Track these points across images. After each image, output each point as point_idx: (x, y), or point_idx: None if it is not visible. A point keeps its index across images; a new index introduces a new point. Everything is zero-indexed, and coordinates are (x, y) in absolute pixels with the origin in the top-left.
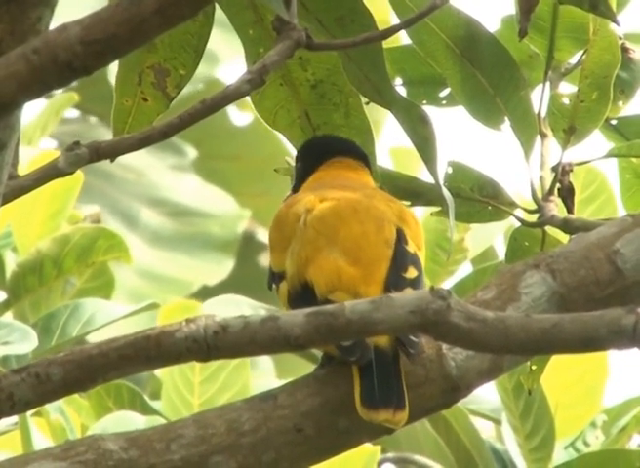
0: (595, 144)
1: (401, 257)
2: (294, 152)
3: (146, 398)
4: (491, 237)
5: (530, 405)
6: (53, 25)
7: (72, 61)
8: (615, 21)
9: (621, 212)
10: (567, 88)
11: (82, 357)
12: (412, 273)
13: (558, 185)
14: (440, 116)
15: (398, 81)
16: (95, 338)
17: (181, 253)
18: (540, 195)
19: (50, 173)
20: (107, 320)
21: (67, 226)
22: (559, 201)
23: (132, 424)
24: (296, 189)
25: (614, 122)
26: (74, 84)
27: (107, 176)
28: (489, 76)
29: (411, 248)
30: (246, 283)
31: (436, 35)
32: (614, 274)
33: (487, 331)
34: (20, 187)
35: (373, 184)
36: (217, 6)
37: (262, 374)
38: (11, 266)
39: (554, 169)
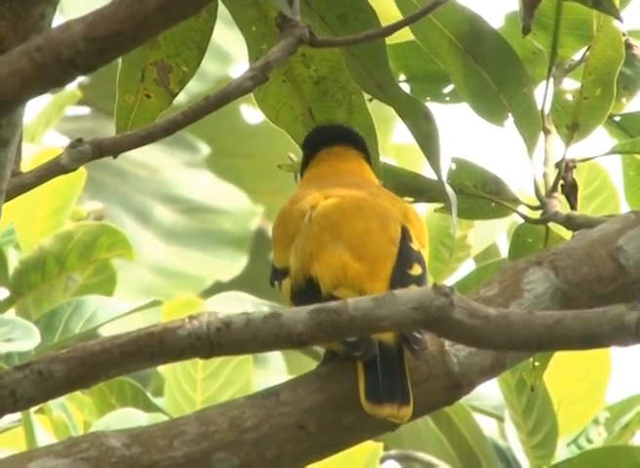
0: (599, 141)
1: (406, 255)
2: None
3: (149, 395)
4: (494, 234)
5: (532, 401)
6: (57, 23)
7: (75, 59)
8: (618, 18)
9: (624, 208)
10: (570, 84)
11: (85, 354)
12: (417, 270)
13: (561, 182)
14: (443, 112)
15: (401, 77)
16: (106, 333)
17: (195, 250)
18: (543, 192)
19: (53, 169)
20: (110, 317)
21: (70, 223)
22: (562, 197)
23: (134, 421)
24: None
25: (617, 118)
26: (86, 82)
27: (121, 174)
28: (492, 72)
29: (415, 246)
30: (258, 279)
31: (440, 31)
32: (616, 271)
33: (490, 327)
34: (23, 184)
35: (375, 179)
36: (220, 3)
37: (274, 372)
38: (13, 263)
39: (557, 165)
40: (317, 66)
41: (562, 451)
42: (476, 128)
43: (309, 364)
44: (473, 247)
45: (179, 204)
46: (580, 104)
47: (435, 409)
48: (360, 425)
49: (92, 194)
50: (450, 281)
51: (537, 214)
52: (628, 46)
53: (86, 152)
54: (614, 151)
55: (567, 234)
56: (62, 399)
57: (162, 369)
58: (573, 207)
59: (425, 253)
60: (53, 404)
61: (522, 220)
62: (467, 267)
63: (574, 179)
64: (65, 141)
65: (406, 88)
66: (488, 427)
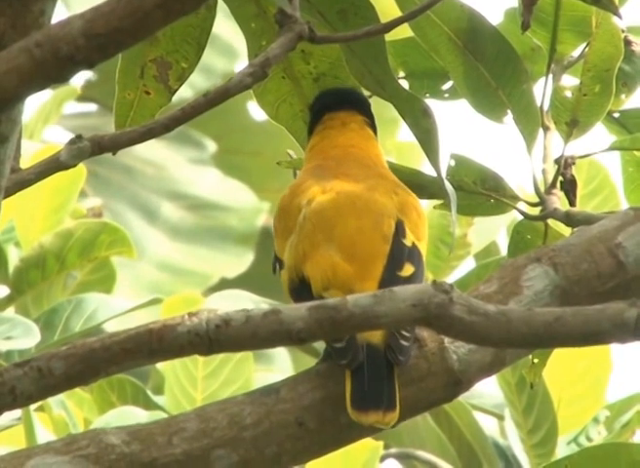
0: (598, 137)
1: (398, 254)
2: None
3: (149, 393)
4: (494, 232)
5: (533, 400)
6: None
7: (75, 55)
8: (617, 14)
9: (624, 206)
10: (569, 81)
11: (84, 351)
12: (408, 271)
13: (560, 178)
14: (443, 109)
15: (400, 74)
16: (109, 330)
17: (201, 247)
18: (542, 188)
19: (52, 166)
20: (110, 315)
21: (70, 221)
22: (561, 194)
23: (134, 419)
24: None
25: (616, 115)
26: (92, 79)
27: (127, 170)
28: (491, 69)
29: (408, 241)
30: (264, 276)
31: (439, 28)
32: (616, 267)
33: (489, 324)
34: (23, 181)
35: (378, 153)
36: None
37: (280, 370)
38: (14, 261)
39: (557, 162)
40: (317, 63)
41: (562, 450)
42: (475, 124)
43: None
44: (473, 245)
45: (185, 201)
46: (580, 101)
47: (435, 406)
48: (359, 423)
49: (98, 191)
50: (450, 279)
51: (536, 211)
52: (627, 42)
53: (85, 149)
54: (613, 148)
55: (566, 231)
56: (63, 396)
57: (162, 366)
58: (572, 203)
59: (423, 245)
60: (53, 401)
61: (521, 217)
62: (467, 265)
63: (573, 176)
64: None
65: (405, 84)
66: (488, 426)
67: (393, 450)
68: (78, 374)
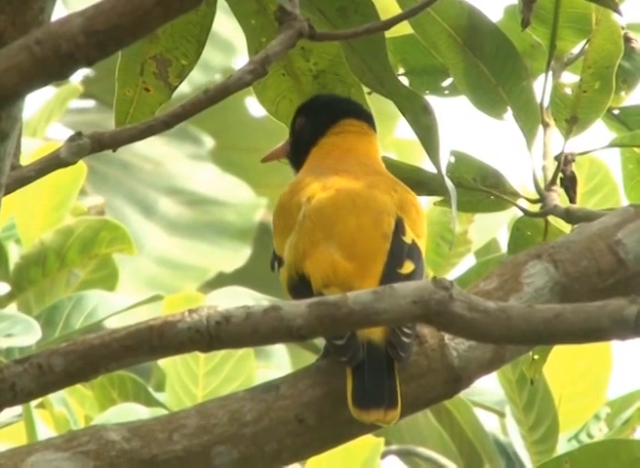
0: (598, 134)
1: (398, 251)
2: None
3: (150, 390)
4: (494, 229)
5: (533, 397)
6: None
7: (75, 52)
8: (617, 11)
9: (625, 203)
10: (569, 78)
11: (84, 347)
12: (408, 268)
13: (560, 175)
14: (442, 106)
15: (400, 71)
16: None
17: (199, 241)
18: (542, 185)
19: (52, 163)
20: (111, 312)
21: (71, 218)
22: (561, 191)
23: (135, 416)
24: (301, 148)
25: (616, 112)
26: (91, 75)
27: (125, 166)
28: (491, 66)
29: (408, 238)
30: (262, 271)
31: (438, 25)
32: (616, 264)
33: (489, 321)
34: (23, 178)
35: (379, 160)
36: None
37: (278, 366)
38: (14, 258)
39: (557, 158)
40: (316, 60)
41: (563, 447)
42: (475, 121)
43: (314, 357)
44: (474, 242)
45: (183, 196)
46: (579, 98)
47: (434, 403)
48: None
49: (96, 187)
50: (450, 276)
51: (536, 208)
52: (627, 39)
53: (85, 146)
54: (613, 144)
55: (566, 227)
56: (63, 393)
57: (163, 363)
58: (572, 200)
59: (422, 243)
60: (54, 398)
61: (522, 214)
62: (468, 262)
63: (573, 173)
64: (70, 134)
65: (405, 81)
66: (489, 422)
67: (394, 447)
68: (78, 371)
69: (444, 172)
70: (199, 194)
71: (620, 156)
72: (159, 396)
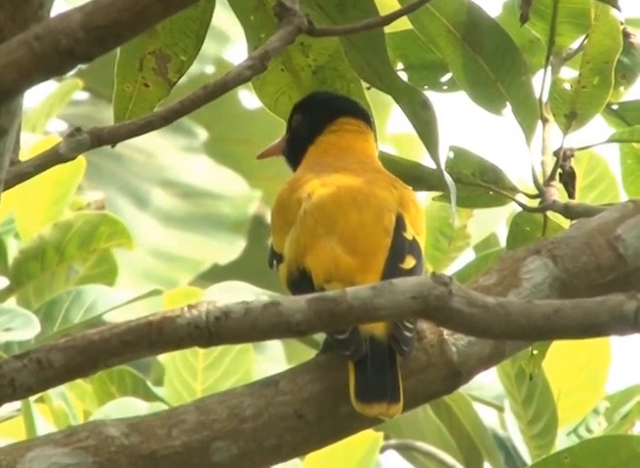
0: (597, 130)
1: (399, 247)
2: None
3: (149, 384)
4: (493, 224)
5: (532, 391)
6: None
7: (74, 48)
8: (616, 7)
9: (624, 197)
10: (568, 73)
11: (83, 343)
12: (409, 263)
13: (559, 170)
14: (442, 101)
15: (399, 66)
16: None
17: (193, 234)
18: (541, 180)
19: (51, 159)
20: (110, 306)
21: (70, 213)
22: (560, 186)
23: (134, 410)
24: (297, 146)
25: (615, 107)
26: (84, 68)
27: (118, 158)
28: (490, 61)
29: (409, 234)
30: (256, 263)
31: (438, 20)
32: (615, 260)
33: (488, 316)
34: (22, 173)
35: (376, 158)
36: None
37: (272, 359)
38: (13, 252)
39: (556, 154)
40: (316, 55)
41: (562, 441)
42: (474, 116)
43: (308, 350)
44: (473, 236)
45: (176, 188)
46: (578, 93)
47: (434, 399)
48: (359, 414)
49: (89, 179)
50: (449, 270)
51: (535, 203)
52: (626, 34)
53: (84, 141)
54: (612, 140)
55: (565, 223)
56: (63, 388)
57: (162, 358)
58: (571, 195)
59: (422, 240)
60: (53, 393)
61: (520, 209)
62: (467, 257)
63: (572, 168)
64: (64, 126)
65: (404, 76)
66: (488, 417)
67: (393, 442)
68: (77, 366)
69: (443, 167)
70: (193, 186)
71: (619, 151)
72: (158, 390)
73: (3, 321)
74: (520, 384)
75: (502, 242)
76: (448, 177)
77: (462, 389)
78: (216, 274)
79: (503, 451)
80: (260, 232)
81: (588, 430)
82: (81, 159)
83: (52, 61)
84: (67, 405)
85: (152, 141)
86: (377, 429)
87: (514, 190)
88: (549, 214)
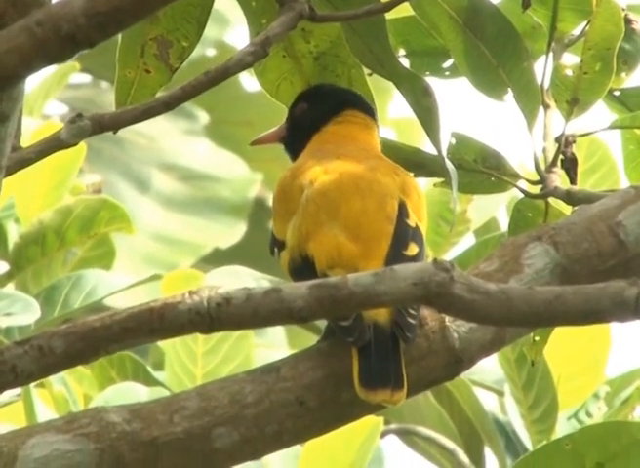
0: (598, 116)
1: (402, 234)
2: None
3: (149, 369)
4: (493, 208)
5: (533, 376)
6: None
7: (76, 34)
8: None
9: (624, 182)
10: (570, 59)
11: (85, 329)
12: (412, 250)
13: (561, 157)
14: (443, 87)
15: (401, 52)
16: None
17: (194, 217)
18: (542, 166)
19: (53, 145)
20: (110, 291)
21: (70, 197)
22: (562, 172)
23: (135, 395)
24: (300, 134)
25: (617, 93)
26: (86, 51)
27: (119, 142)
28: (492, 47)
29: (412, 221)
30: (257, 247)
31: (439, 6)
32: (616, 246)
33: (490, 303)
34: (23, 159)
35: (379, 149)
36: None
37: (272, 343)
38: (13, 237)
39: (557, 140)
40: (317, 41)
41: (562, 426)
42: (476, 102)
43: (310, 334)
44: (473, 221)
45: (177, 172)
46: (580, 79)
47: (435, 385)
48: (360, 401)
49: (90, 163)
50: (450, 255)
51: (536, 189)
52: (628, 21)
53: (85, 127)
54: (613, 126)
55: (567, 209)
56: (62, 373)
57: (162, 342)
58: (572, 182)
59: (423, 227)
60: (52, 378)
61: (522, 195)
62: (467, 241)
63: (573, 154)
64: (65, 109)
65: (406, 63)
66: (488, 402)
67: (394, 426)
68: (79, 353)
69: (444, 153)
70: (194, 169)
71: (621, 137)
72: (158, 375)
73: (3, 306)
74: (520, 369)
75: (503, 226)
76: (449, 164)
77: (463, 374)
78: (217, 257)
79: (504, 436)
80: (262, 215)
81: (589, 415)
82: (81, 144)
83: (53, 47)
84: (67, 389)
85: (153, 125)
86: (377, 414)
87: (516, 176)
88: (551, 200)
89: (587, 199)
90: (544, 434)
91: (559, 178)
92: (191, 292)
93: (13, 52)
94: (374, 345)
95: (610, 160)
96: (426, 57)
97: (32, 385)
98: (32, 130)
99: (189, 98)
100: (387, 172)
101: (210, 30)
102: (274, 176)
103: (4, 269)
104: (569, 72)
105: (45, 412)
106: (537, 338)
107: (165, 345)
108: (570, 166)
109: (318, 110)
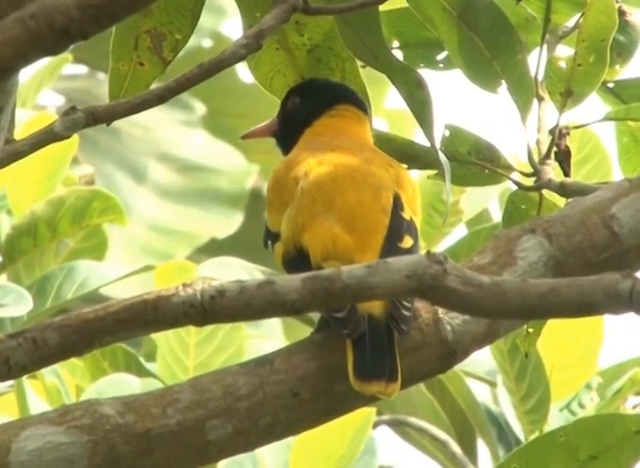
0: (592, 108)
1: (397, 226)
2: None
3: (142, 360)
4: (485, 199)
5: (525, 367)
6: None
7: (69, 26)
8: None
9: (616, 173)
10: (564, 51)
11: (78, 322)
12: (407, 243)
13: (555, 149)
14: (437, 79)
15: (395, 44)
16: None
17: (190, 208)
18: (536, 158)
19: (46, 137)
20: (102, 282)
21: (62, 189)
22: (556, 164)
23: (127, 386)
24: (292, 128)
25: (611, 85)
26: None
27: (115, 133)
28: (486, 39)
29: (407, 214)
30: (254, 238)
31: None
32: (610, 239)
33: (483, 295)
34: (16, 152)
35: (372, 142)
36: None
37: (267, 335)
38: (5, 229)
39: (551, 132)
40: (310, 34)
41: (555, 417)
42: (470, 94)
43: (305, 326)
44: (465, 212)
45: (174, 163)
46: (574, 71)
47: (429, 377)
48: (353, 393)
49: (86, 153)
50: (442, 246)
51: (530, 181)
52: (622, 13)
53: (79, 120)
54: (607, 118)
55: (560, 201)
56: (55, 364)
57: (155, 334)
58: (566, 174)
59: (418, 220)
60: (45, 369)
61: (515, 187)
62: (459, 232)
63: (567, 146)
64: (62, 101)
65: (399, 55)
66: (480, 392)
67: (386, 417)
68: (72, 345)
69: (438, 146)
70: (190, 160)
71: (615, 129)
72: (150, 366)
73: None
74: (513, 360)
75: (495, 217)
76: (442, 156)
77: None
78: (213, 248)
79: (496, 427)
80: (258, 206)
81: (581, 405)
82: (74, 136)
83: (47, 40)
84: (60, 381)
85: (149, 116)
86: (369, 405)
87: (510, 168)
88: (545, 192)
89: (581, 191)
90: (537, 425)
91: (553, 171)
92: (185, 285)
93: (6, 44)
94: (368, 337)
95: (602, 151)
96: (420, 49)
97: (25, 376)
98: (25, 121)
99: (183, 91)
100: (382, 164)
101: (205, 21)
102: (270, 168)
103: None
104: (563, 64)
105: (37, 404)
106: (530, 330)
107: (157, 336)
108: (563, 158)
109: (311, 104)
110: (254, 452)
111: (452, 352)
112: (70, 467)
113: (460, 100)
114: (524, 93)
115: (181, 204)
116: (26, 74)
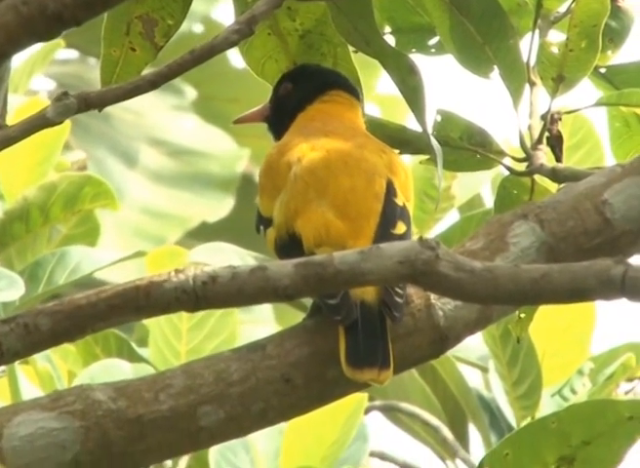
0: (584, 93)
1: (390, 212)
2: None
3: (134, 345)
4: (478, 185)
5: (517, 352)
6: None
7: (62, 13)
8: None
9: (609, 158)
10: (556, 36)
11: (71, 307)
12: (400, 229)
13: (547, 134)
14: (429, 64)
15: (387, 29)
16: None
17: (182, 192)
18: (528, 144)
19: (38, 123)
20: (94, 267)
21: (54, 174)
22: (548, 150)
23: (119, 371)
24: (284, 113)
25: (603, 70)
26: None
27: (106, 117)
28: (478, 24)
29: (400, 200)
30: (245, 222)
31: None
32: (602, 224)
33: (475, 281)
34: (8, 138)
35: (364, 128)
36: None
37: (259, 320)
38: None
39: (543, 117)
40: (302, 20)
41: (546, 402)
42: (462, 80)
43: (297, 312)
44: (457, 197)
45: (165, 147)
46: (566, 56)
47: (421, 363)
48: (346, 379)
49: (78, 138)
50: (434, 231)
51: (522, 167)
52: None
53: (71, 105)
54: (599, 103)
55: (552, 186)
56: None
57: (147, 319)
58: (558, 159)
59: (410, 206)
60: (37, 354)
61: (507, 172)
62: (451, 218)
63: (559, 131)
64: (53, 86)
65: (391, 40)
66: (472, 378)
67: (378, 403)
68: (65, 331)
69: (430, 131)
70: (181, 145)
71: (607, 115)
72: (142, 351)
73: None
74: (505, 345)
75: (487, 203)
76: (434, 142)
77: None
78: (204, 232)
79: (488, 412)
80: (249, 190)
81: (573, 391)
82: (66, 121)
83: (39, 26)
84: (52, 366)
85: (141, 101)
86: (361, 391)
87: (501, 154)
88: (537, 177)
89: (573, 176)
90: (529, 410)
91: (545, 156)
92: (177, 271)
93: None
94: (361, 324)
95: (594, 136)
96: (412, 34)
97: (17, 362)
98: (17, 106)
99: (175, 76)
100: (375, 150)
101: (198, 6)
102: (262, 152)
103: None
104: (555, 49)
105: (29, 389)
106: (522, 315)
107: (149, 322)
108: (555, 143)
109: (303, 90)
110: (246, 438)
111: (444, 337)
112: (62, 453)
113: (452, 86)
114: (516, 78)
115: (173, 188)
116: (18, 59)
